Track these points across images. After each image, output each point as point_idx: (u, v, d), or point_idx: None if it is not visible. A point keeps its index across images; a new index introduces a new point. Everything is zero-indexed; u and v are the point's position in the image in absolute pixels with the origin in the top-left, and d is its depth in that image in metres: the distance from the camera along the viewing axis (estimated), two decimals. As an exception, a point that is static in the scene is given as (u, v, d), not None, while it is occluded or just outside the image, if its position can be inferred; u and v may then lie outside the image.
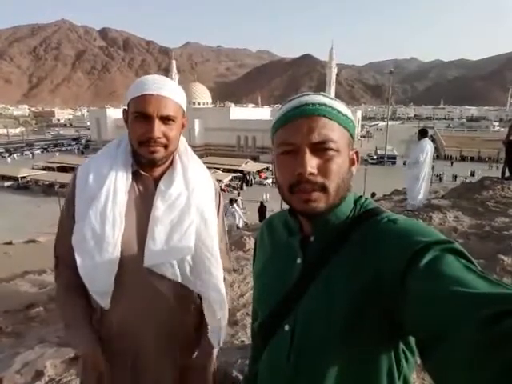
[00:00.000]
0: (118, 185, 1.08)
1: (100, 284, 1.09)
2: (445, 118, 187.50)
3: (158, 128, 1.06)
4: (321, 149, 0.71)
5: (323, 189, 0.71)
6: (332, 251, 0.74)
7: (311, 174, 0.70)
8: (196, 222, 1.12)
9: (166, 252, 1.08)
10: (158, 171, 1.15)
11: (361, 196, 0.82)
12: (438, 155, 57.11)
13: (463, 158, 60.01)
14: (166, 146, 1.09)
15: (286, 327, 0.76)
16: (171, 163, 1.18)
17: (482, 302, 0.49)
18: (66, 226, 1.13)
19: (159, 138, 1.06)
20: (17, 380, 2.22)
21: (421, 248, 0.60)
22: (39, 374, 2.25)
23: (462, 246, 0.59)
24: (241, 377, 1.92)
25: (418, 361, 0.61)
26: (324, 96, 0.75)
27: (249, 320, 2.79)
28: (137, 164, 1.14)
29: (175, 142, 1.13)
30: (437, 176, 35.79)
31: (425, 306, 0.55)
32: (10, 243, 18.29)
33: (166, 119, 1.07)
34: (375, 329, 0.67)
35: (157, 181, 1.14)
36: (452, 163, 52.43)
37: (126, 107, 1.12)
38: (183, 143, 1.21)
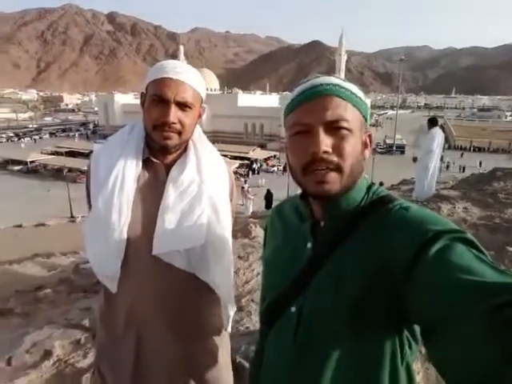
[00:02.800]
0: (127, 172, 1.06)
1: (106, 269, 1.09)
2: (456, 108, 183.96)
3: (174, 113, 1.03)
4: (334, 128, 0.70)
5: (338, 168, 0.71)
6: (342, 237, 0.73)
7: (325, 152, 0.69)
8: (207, 212, 1.10)
9: (175, 241, 1.06)
10: (170, 158, 1.12)
11: (373, 183, 0.81)
12: (449, 145, 56.14)
13: (479, 149, 57.90)
14: (180, 133, 1.06)
15: (293, 309, 0.77)
16: (184, 150, 1.15)
17: (489, 290, 0.49)
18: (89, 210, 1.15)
19: (174, 123, 1.04)
20: (26, 359, 2.27)
21: (431, 236, 0.60)
22: (47, 354, 2.30)
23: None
24: (245, 362, 1.93)
25: (423, 350, 0.63)
26: (336, 77, 0.75)
27: (254, 306, 2.81)
28: (149, 150, 1.11)
29: (190, 130, 1.10)
30: (443, 162, 35.19)
31: (431, 294, 0.56)
32: (20, 226, 18.58)
33: (183, 105, 1.05)
34: (382, 315, 0.67)
35: (168, 168, 1.12)
36: (462, 154, 50.91)
37: (145, 90, 1.10)
38: (198, 130, 1.18)
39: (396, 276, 0.62)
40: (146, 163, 1.11)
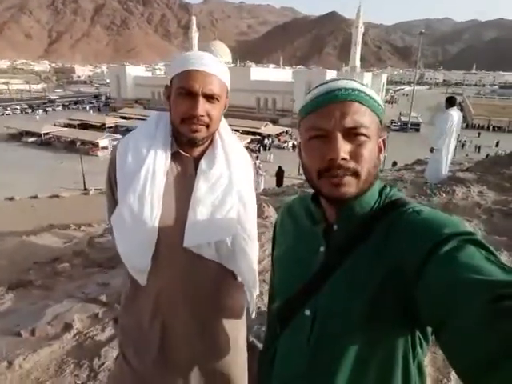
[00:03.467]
0: (157, 166, 1.06)
1: (137, 262, 1.10)
2: (476, 84, 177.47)
3: (202, 106, 1.02)
4: (352, 134, 0.70)
5: (355, 174, 0.71)
6: (355, 241, 0.74)
7: (343, 159, 0.69)
8: (236, 204, 1.11)
9: (207, 233, 1.07)
10: (197, 151, 1.13)
11: (386, 185, 0.81)
12: (467, 124, 54.42)
13: (498, 128, 55.50)
14: (207, 126, 1.06)
15: (307, 312, 0.77)
16: (211, 142, 1.15)
17: (494, 285, 0.51)
18: (111, 203, 1.14)
19: (202, 116, 1.03)
20: (48, 331, 2.39)
21: (443, 239, 0.61)
22: (68, 327, 2.41)
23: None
24: (257, 342, 1.99)
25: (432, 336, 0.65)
26: (356, 81, 0.75)
27: (265, 287, 2.86)
28: (177, 143, 1.11)
29: (217, 122, 1.10)
30: (459, 141, 34.13)
31: (440, 291, 0.57)
32: (35, 197, 19.03)
33: (210, 97, 1.03)
34: (395, 316, 0.68)
35: (196, 161, 1.12)
36: (479, 134, 49.07)
37: (169, 83, 1.08)
38: (223, 121, 1.18)
39: (408, 277, 0.63)
40: (174, 156, 1.11)
